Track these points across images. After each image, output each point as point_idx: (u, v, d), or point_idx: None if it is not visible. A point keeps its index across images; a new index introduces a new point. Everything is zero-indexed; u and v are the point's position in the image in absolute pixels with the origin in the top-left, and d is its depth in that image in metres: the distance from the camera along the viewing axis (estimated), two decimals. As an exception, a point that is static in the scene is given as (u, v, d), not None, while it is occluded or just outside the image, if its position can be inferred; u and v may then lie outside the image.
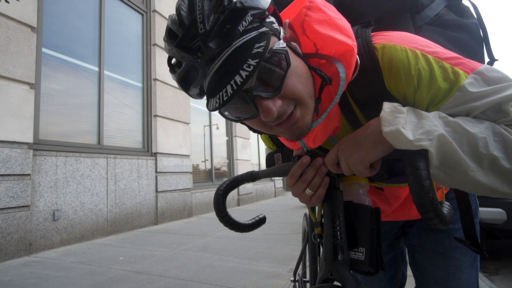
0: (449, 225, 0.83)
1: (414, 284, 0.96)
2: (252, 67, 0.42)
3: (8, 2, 2.17)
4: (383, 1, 0.67)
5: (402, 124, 0.47)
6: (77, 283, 2.23)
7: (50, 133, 3.48)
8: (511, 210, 2.91)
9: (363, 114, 0.61)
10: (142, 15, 5.20)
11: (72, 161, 3.52)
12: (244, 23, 0.44)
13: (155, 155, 4.90)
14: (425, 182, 0.44)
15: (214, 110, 0.46)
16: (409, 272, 1.04)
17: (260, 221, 0.74)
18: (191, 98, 6.12)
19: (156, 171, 4.86)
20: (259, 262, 2.72)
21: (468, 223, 0.70)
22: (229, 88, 0.43)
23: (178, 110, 5.56)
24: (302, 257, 1.04)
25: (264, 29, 0.46)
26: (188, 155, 5.78)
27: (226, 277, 2.34)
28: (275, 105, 0.48)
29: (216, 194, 0.70)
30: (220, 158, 7.77)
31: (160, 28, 5.31)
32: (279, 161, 0.73)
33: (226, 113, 0.52)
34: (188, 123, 5.89)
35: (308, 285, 1.10)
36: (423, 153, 0.45)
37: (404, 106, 0.54)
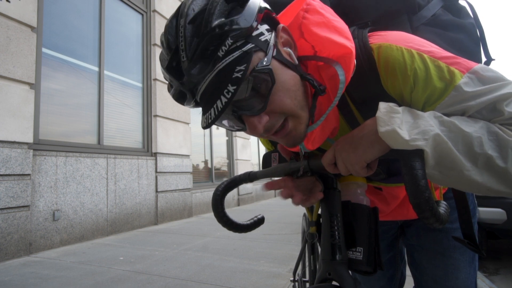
0: (447, 225, 0.84)
1: (413, 284, 0.96)
2: (230, 94, 0.44)
3: (9, 2, 2.16)
4: (380, 2, 0.67)
5: (398, 124, 0.47)
6: (77, 283, 2.23)
7: (50, 133, 3.49)
8: (511, 210, 2.91)
9: (361, 114, 0.61)
10: (142, 15, 5.20)
11: (72, 161, 3.52)
12: (224, 47, 0.44)
13: (155, 155, 4.90)
14: (421, 182, 0.44)
15: (204, 128, 0.48)
16: (408, 272, 1.04)
17: (259, 222, 0.74)
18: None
19: (156, 171, 4.86)
20: (259, 262, 2.72)
21: (466, 222, 0.71)
22: (212, 111, 0.45)
23: (178, 110, 5.56)
24: (301, 257, 1.04)
25: (248, 46, 0.46)
26: (188, 155, 5.78)
27: (226, 277, 2.34)
28: (260, 122, 0.50)
29: (214, 194, 0.70)
30: (220, 158, 7.77)
31: (160, 28, 5.31)
32: (276, 161, 0.73)
33: (222, 123, 0.54)
34: (188, 123, 5.89)
35: (307, 285, 1.10)
36: (419, 153, 0.45)
37: (400, 105, 0.54)
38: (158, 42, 5.19)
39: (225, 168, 7.95)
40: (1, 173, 2.82)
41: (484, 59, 0.70)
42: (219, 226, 0.73)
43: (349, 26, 0.57)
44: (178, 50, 0.45)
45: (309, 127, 0.56)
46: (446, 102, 0.50)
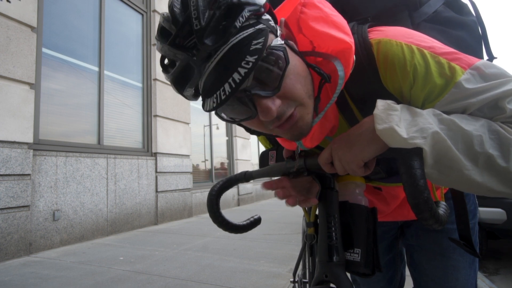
0: (447, 225, 0.83)
1: (412, 285, 0.96)
2: (251, 63, 0.41)
3: (9, 2, 2.16)
4: None
5: (396, 121, 0.46)
6: (77, 283, 2.23)
7: (50, 133, 3.48)
8: (511, 210, 2.91)
9: (360, 112, 0.60)
10: (142, 15, 5.20)
11: (72, 161, 3.52)
12: (241, 19, 0.42)
13: (155, 155, 4.90)
14: (420, 182, 0.42)
15: (211, 110, 0.45)
16: (407, 272, 1.04)
17: (255, 222, 0.73)
18: (191, 98, 6.12)
19: (156, 171, 4.86)
20: (259, 262, 2.72)
21: (463, 224, 0.70)
22: (227, 86, 0.41)
23: (178, 110, 5.56)
24: (301, 258, 1.04)
25: (261, 26, 0.45)
26: (188, 155, 5.78)
27: (226, 277, 2.34)
28: (275, 104, 0.46)
29: (210, 195, 0.69)
30: (220, 158, 7.77)
31: (160, 28, 5.30)
32: (273, 158, 0.72)
33: (222, 114, 0.50)
34: (188, 123, 5.89)
35: (308, 286, 1.09)
36: (418, 152, 0.44)
37: (400, 102, 0.53)
38: (158, 42, 5.19)
39: (225, 168, 7.95)
40: (1, 173, 2.81)
41: (485, 57, 0.69)
42: (219, 226, 0.72)
43: (349, 22, 0.56)
44: (190, 19, 0.42)
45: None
46: (446, 99, 0.49)
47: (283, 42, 0.47)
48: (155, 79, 5.08)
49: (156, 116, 5.00)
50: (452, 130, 0.44)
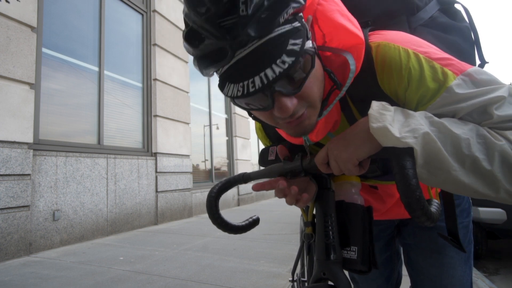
0: (443, 224, 0.84)
1: (409, 283, 0.97)
2: (287, 64, 0.42)
3: (8, 2, 2.17)
4: (380, 2, 0.68)
5: (389, 121, 0.47)
6: (77, 283, 2.23)
7: (50, 133, 3.49)
8: (511, 210, 2.91)
9: (359, 112, 0.62)
10: (142, 15, 5.20)
11: (72, 161, 3.53)
12: (285, 14, 0.43)
13: (155, 155, 4.91)
14: (412, 181, 0.44)
15: (235, 98, 0.45)
16: (404, 271, 1.04)
17: (254, 223, 0.73)
18: (191, 98, 6.13)
19: (156, 171, 4.86)
20: (259, 262, 2.72)
21: (450, 219, 0.72)
22: (257, 80, 0.42)
23: (178, 110, 5.56)
24: (299, 257, 1.04)
25: (297, 24, 0.45)
26: (188, 155, 5.78)
27: (226, 277, 2.34)
28: (292, 103, 0.48)
29: (209, 196, 0.70)
30: (220, 158, 7.77)
31: (160, 28, 5.31)
32: (273, 154, 0.73)
33: (237, 99, 0.49)
34: (188, 123, 5.89)
35: (306, 285, 1.10)
36: (410, 152, 0.45)
37: (396, 104, 0.55)
38: (158, 42, 5.20)
39: (225, 168, 7.95)
40: (1, 173, 2.82)
41: (478, 61, 0.72)
42: (219, 226, 0.72)
43: None
44: (236, 3, 0.41)
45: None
46: (438, 102, 0.51)
47: (314, 45, 0.48)
48: (155, 79, 5.09)
49: (156, 116, 5.01)
50: (442, 133, 0.46)
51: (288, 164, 0.64)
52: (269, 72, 0.42)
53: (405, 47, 0.53)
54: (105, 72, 4.27)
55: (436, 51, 0.54)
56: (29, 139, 3.08)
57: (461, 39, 0.69)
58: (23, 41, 3.13)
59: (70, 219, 3.45)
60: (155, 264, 2.70)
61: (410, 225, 0.92)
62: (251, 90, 0.43)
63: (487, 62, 0.72)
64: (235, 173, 8.02)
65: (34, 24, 3.25)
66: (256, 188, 0.67)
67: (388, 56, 0.54)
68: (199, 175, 6.67)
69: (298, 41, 0.43)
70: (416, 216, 0.45)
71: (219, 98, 7.80)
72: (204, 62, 0.47)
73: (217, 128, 7.71)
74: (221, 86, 0.48)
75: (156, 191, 4.81)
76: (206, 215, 5.96)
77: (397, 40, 0.55)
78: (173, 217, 5.13)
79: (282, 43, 0.43)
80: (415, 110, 0.54)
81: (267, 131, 0.82)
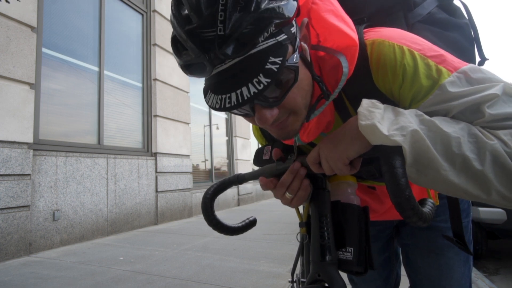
0: (441, 224, 0.84)
1: (407, 284, 0.97)
2: (262, 85, 0.41)
3: (8, 2, 2.17)
4: None
5: (378, 119, 0.47)
6: (77, 283, 2.23)
7: (50, 133, 3.49)
8: (511, 210, 2.91)
9: (355, 111, 0.61)
10: (142, 15, 5.20)
11: (72, 161, 3.53)
12: (265, 34, 0.42)
13: (155, 155, 4.90)
14: (401, 180, 0.43)
15: (213, 109, 0.45)
16: (403, 271, 1.04)
17: (251, 224, 0.73)
18: (191, 98, 6.13)
19: (156, 171, 4.86)
20: (259, 262, 2.72)
21: (456, 221, 0.71)
22: (233, 96, 0.42)
23: (178, 110, 5.56)
24: (298, 257, 1.04)
25: (282, 37, 0.44)
26: (188, 155, 5.78)
27: (226, 277, 2.34)
28: (272, 115, 0.49)
29: (204, 198, 0.69)
30: (220, 158, 7.77)
31: (160, 28, 5.31)
32: (267, 154, 0.72)
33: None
34: (188, 123, 5.89)
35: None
36: (399, 151, 0.44)
37: (392, 102, 0.54)
38: (158, 42, 5.20)
39: (225, 168, 7.95)
40: (1, 173, 2.82)
41: (478, 58, 0.71)
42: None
43: None
44: (215, 20, 0.40)
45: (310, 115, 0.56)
46: (431, 100, 0.50)
47: (299, 56, 0.47)
48: (155, 79, 5.09)
49: (156, 116, 5.01)
50: (431, 131, 0.45)
51: (281, 165, 0.64)
52: (245, 90, 0.41)
53: (400, 44, 0.52)
54: (105, 72, 4.27)
55: (431, 48, 0.53)
56: (29, 139, 3.08)
57: (460, 36, 0.68)
58: (23, 41, 3.13)
59: (70, 219, 3.45)
60: (155, 264, 2.69)
61: (408, 226, 0.91)
62: (227, 106, 0.43)
63: (487, 59, 0.71)
64: (235, 173, 8.00)
65: (34, 24, 3.25)
66: (262, 183, 0.66)
67: (383, 54, 0.53)
68: (199, 175, 6.67)
69: (278, 59, 0.42)
70: (406, 216, 0.44)
71: (219, 98, 7.78)
72: (187, 71, 0.48)
73: (217, 128, 7.71)
74: (205, 93, 0.48)
75: (156, 191, 4.81)
76: (206, 215, 5.98)
77: (392, 37, 0.54)
78: (173, 217, 5.13)
79: (261, 60, 0.42)
80: (409, 107, 0.53)
81: (262, 131, 0.82)
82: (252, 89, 0.41)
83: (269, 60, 0.42)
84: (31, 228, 3.05)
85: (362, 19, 0.63)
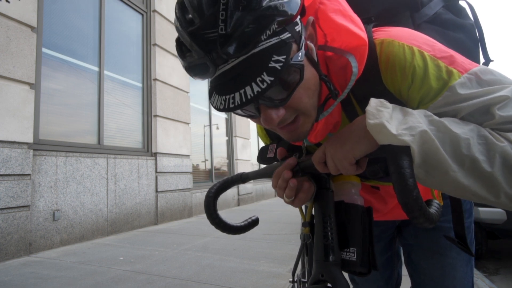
0: (444, 224, 0.84)
1: (409, 284, 0.96)
2: (265, 84, 0.41)
3: (8, 2, 2.16)
4: None
5: (387, 118, 0.46)
6: (77, 283, 2.23)
7: (50, 133, 3.48)
8: (511, 210, 2.91)
9: (363, 111, 0.60)
10: (142, 15, 5.20)
11: (72, 161, 3.52)
12: (268, 32, 0.41)
13: (155, 155, 4.90)
14: (409, 181, 0.42)
15: (217, 109, 0.45)
16: (404, 272, 1.04)
17: (253, 223, 0.73)
18: (191, 98, 6.13)
19: (156, 171, 4.86)
20: (259, 262, 2.72)
21: (459, 222, 0.71)
22: (237, 96, 0.42)
23: (178, 110, 5.56)
24: (299, 258, 1.04)
25: (286, 35, 0.44)
26: (188, 155, 5.78)
27: (226, 277, 2.34)
28: (278, 115, 0.48)
29: (207, 196, 0.69)
30: (220, 158, 7.77)
31: (160, 28, 5.31)
32: (272, 152, 0.72)
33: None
34: (188, 123, 5.89)
35: (307, 285, 1.09)
36: (407, 151, 0.44)
37: (400, 102, 0.54)
38: (158, 42, 5.20)
39: (225, 168, 7.95)
40: (1, 173, 2.82)
41: (482, 60, 0.71)
42: (219, 226, 0.72)
43: None
44: (216, 20, 0.40)
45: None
46: (440, 102, 0.50)
47: (304, 54, 0.47)
48: (155, 79, 5.09)
49: (156, 116, 5.01)
50: (441, 132, 0.45)
51: None
52: (248, 90, 0.41)
53: (410, 45, 0.52)
54: (105, 72, 4.27)
55: (441, 49, 0.53)
56: (29, 139, 3.08)
57: (466, 36, 0.68)
58: (23, 41, 3.12)
59: (70, 219, 3.45)
60: (155, 264, 2.69)
61: (411, 226, 0.91)
62: (231, 106, 0.42)
63: (492, 60, 0.71)
64: (235, 173, 8.00)
65: (34, 24, 3.24)
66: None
67: (392, 54, 0.52)
68: (199, 175, 6.67)
69: (282, 57, 0.42)
70: (414, 217, 0.44)
71: (219, 98, 7.79)
72: (191, 73, 0.48)
73: (217, 128, 7.71)
74: (210, 94, 0.48)
75: (156, 191, 4.81)
76: (206, 215, 5.96)
77: (402, 37, 0.53)
78: (173, 217, 5.13)
79: (264, 59, 0.42)
80: (417, 108, 0.52)
81: (267, 130, 0.82)
82: (256, 88, 0.41)
83: (273, 59, 0.42)
84: (31, 228, 3.05)
85: (369, 19, 0.62)
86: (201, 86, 7.15)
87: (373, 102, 0.49)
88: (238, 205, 7.61)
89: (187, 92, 5.96)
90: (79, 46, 3.99)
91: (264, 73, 0.41)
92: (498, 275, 2.93)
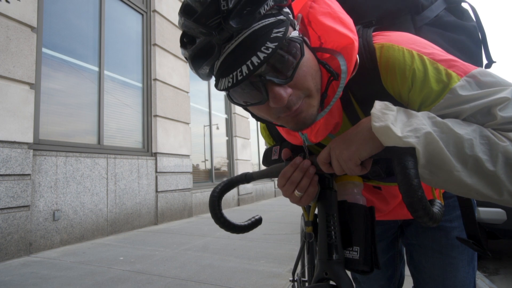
0: (446, 224, 0.84)
1: (411, 284, 0.97)
2: (270, 49, 0.43)
3: (8, 2, 2.17)
4: (384, 1, 0.68)
5: (392, 120, 0.47)
6: (77, 283, 2.23)
7: (50, 133, 3.49)
8: (511, 210, 2.91)
9: (363, 112, 0.62)
10: (142, 15, 5.20)
11: (72, 161, 3.53)
12: (265, 6, 0.45)
13: (155, 155, 4.90)
14: (414, 181, 0.44)
15: (225, 89, 0.47)
16: (407, 271, 1.04)
17: (256, 222, 0.74)
18: (191, 98, 6.13)
19: (156, 171, 4.86)
20: (259, 262, 2.72)
21: (470, 222, 0.71)
22: (244, 68, 0.44)
23: (178, 110, 5.56)
24: (300, 257, 1.04)
25: (282, 17, 0.48)
26: (188, 155, 5.78)
27: (226, 277, 2.34)
28: (286, 92, 0.49)
29: (211, 196, 0.70)
30: (220, 158, 7.77)
31: (160, 28, 5.31)
32: (276, 154, 0.73)
33: (235, 95, 0.52)
34: (188, 123, 5.89)
35: (307, 284, 1.10)
36: (412, 152, 0.45)
37: (399, 103, 0.55)
38: (158, 42, 5.20)
39: (225, 168, 7.95)
40: (1, 173, 2.82)
41: (485, 61, 0.71)
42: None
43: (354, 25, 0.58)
44: (217, 0, 0.44)
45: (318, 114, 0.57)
46: (442, 104, 0.51)
47: (300, 35, 0.50)
48: (155, 79, 5.09)
49: (156, 116, 5.01)
50: (444, 133, 0.46)
51: None
52: (254, 59, 0.44)
53: (409, 49, 0.53)
54: (105, 72, 4.27)
55: (440, 53, 0.54)
56: (29, 139, 3.08)
57: (468, 39, 0.69)
58: (23, 41, 3.13)
59: (70, 219, 3.45)
60: (155, 264, 2.69)
61: (413, 225, 0.92)
62: (239, 78, 0.44)
63: (494, 62, 0.71)
64: (235, 173, 8.02)
65: (34, 24, 3.25)
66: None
67: (392, 58, 0.54)
68: (199, 175, 6.67)
69: (282, 29, 0.46)
70: (418, 216, 0.45)
71: (219, 98, 7.80)
72: (197, 61, 0.50)
73: (217, 128, 7.71)
74: (216, 84, 0.50)
75: (156, 191, 4.81)
76: (206, 215, 5.97)
77: (401, 42, 0.55)
78: (173, 217, 5.13)
79: (266, 33, 0.45)
80: (418, 111, 0.53)
81: (270, 131, 0.83)
82: (262, 55, 0.43)
83: (273, 31, 0.45)
84: (31, 228, 3.05)
85: (370, 22, 0.63)
86: (201, 86, 7.15)
87: (378, 105, 0.50)
88: (238, 205, 7.61)
89: (187, 92, 5.97)
90: (79, 46, 3.99)
91: (268, 42, 0.44)
92: (498, 275, 2.93)
